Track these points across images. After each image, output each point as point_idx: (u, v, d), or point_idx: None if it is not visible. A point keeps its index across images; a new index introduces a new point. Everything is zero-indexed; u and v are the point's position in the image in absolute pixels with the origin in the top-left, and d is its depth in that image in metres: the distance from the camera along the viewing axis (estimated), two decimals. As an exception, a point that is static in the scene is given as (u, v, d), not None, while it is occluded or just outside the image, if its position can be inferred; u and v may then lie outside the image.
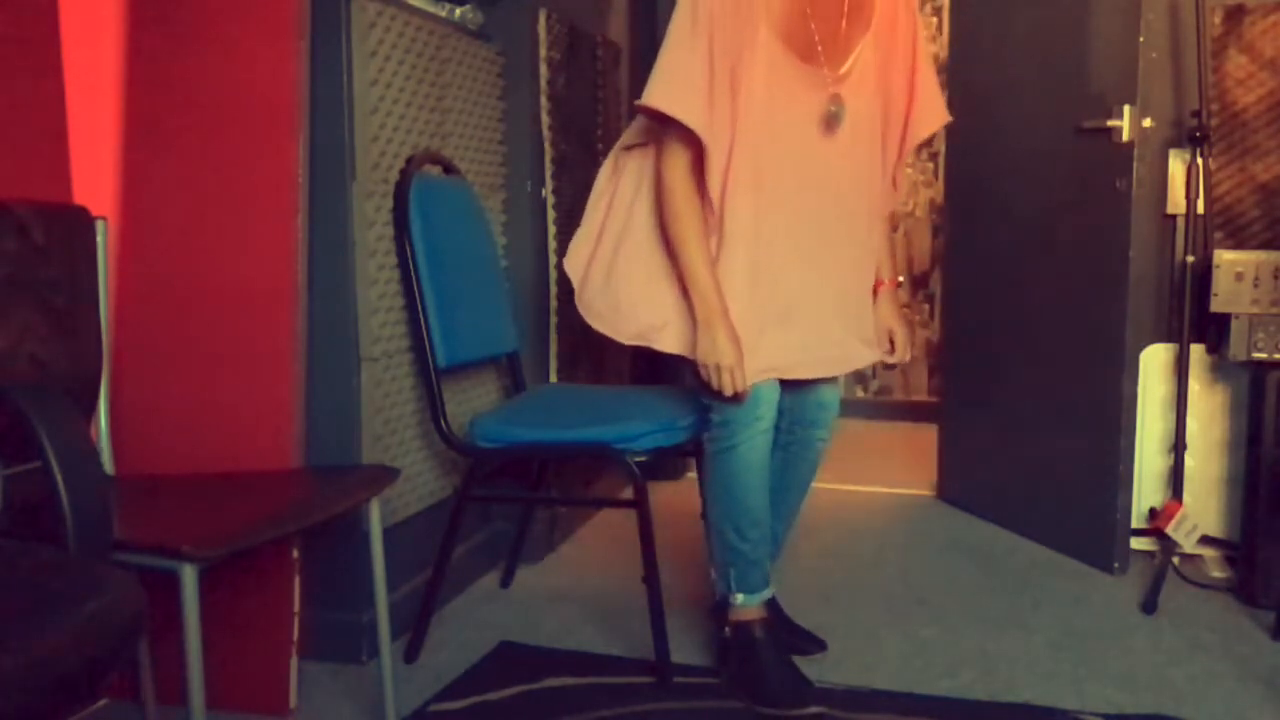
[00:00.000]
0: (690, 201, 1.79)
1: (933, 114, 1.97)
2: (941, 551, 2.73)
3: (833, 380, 1.98)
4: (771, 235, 1.82)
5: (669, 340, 1.84)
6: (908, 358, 2.07)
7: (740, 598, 1.89)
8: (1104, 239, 2.50)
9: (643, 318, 1.86)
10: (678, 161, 1.79)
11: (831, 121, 1.82)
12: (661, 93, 1.74)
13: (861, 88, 1.86)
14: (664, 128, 1.80)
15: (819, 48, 1.79)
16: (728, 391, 1.76)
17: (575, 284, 1.97)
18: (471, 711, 1.84)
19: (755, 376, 1.78)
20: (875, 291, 2.03)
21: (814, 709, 1.81)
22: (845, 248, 1.91)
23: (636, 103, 1.79)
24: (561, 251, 2.56)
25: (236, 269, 1.84)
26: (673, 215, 1.80)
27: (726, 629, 1.92)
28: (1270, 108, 2.61)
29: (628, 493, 1.95)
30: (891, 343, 2.05)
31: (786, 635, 1.99)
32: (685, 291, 1.80)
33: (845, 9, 1.82)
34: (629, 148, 1.94)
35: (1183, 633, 2.18)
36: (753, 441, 1.81)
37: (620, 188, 1.94)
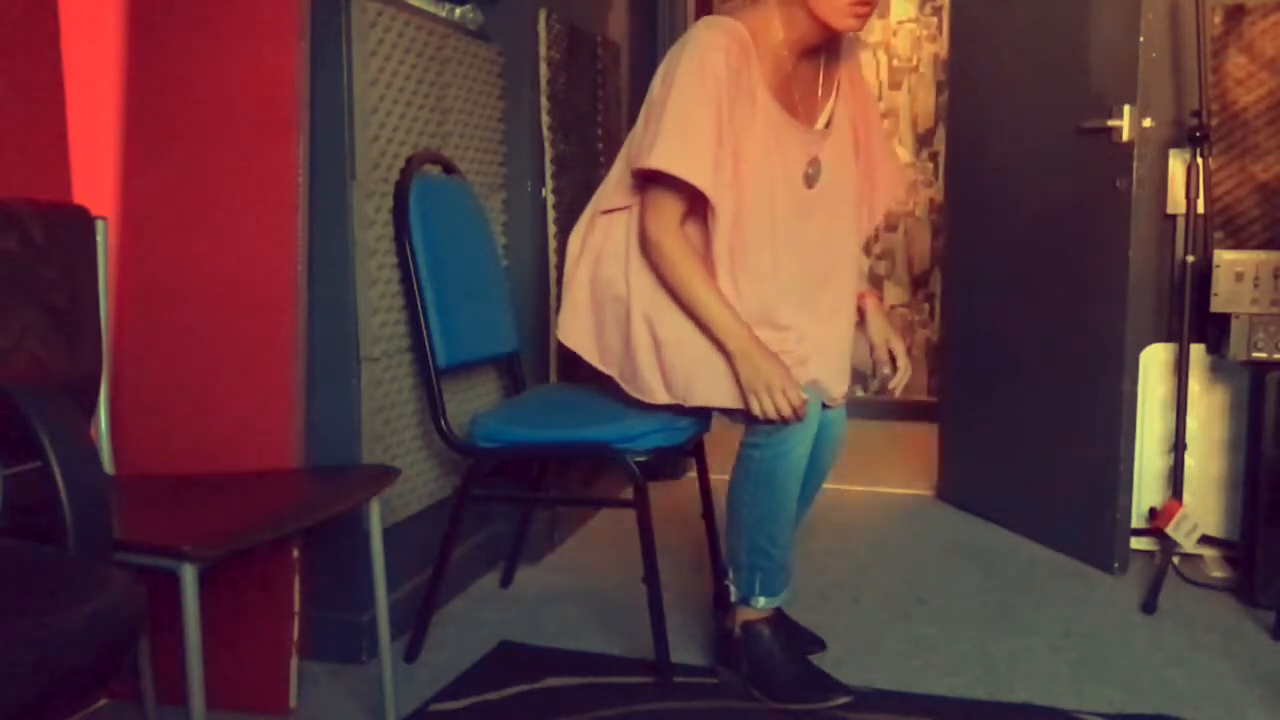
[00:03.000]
0: (684, 249, 1.83)
1: (894, 186, 2.09)
2: (941, 551, 2.73)
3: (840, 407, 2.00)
4: (783, 280, 1.86)
5: (723, 394, 1.83)
6: (909, 371, 2.06)
7: (762, 601, 1.89)
8: (1104, 239, 2.50)
9: (698, 376, 1.85)
10: (668, 219, 1.83)
11: (811, 180, 1.90)
12: (671, 155, 1.77)
13: (839, 145, 1.96)
14: (649, 186, 1.83)
15: (800, 109, 1.89)
16: (786, 411, 1.76)
17: (593, 359, 1.97)
18: (471, 711, 1.84)
19: (802, 382, 1.81)
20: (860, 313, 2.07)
21: (840, 699, 1.83)
22: (837, 289, 1.96)
23: (648, 164, 1.79)
24: (561, 251, 2.55)
25: (236, 269, 1.84)
26: (671, 267, 1.82)
27: (736, 628, 1.91)
28: (1270, 108, 2.61)
29: (628, 493, 1.95)
30: (892, 356, 2.06)
31: (787, 634, 1.99)
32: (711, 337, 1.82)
33: (820, 75, 1.94)
34: (608, 211, 1.94)
35: (1183, 633, 2.18)
36: (803, 446, 1.81)
37: (605, 253, 1.93)
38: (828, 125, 1.94)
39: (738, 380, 1.80)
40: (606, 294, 1.92)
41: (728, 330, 1.80)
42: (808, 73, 1.92)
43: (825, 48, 1.91)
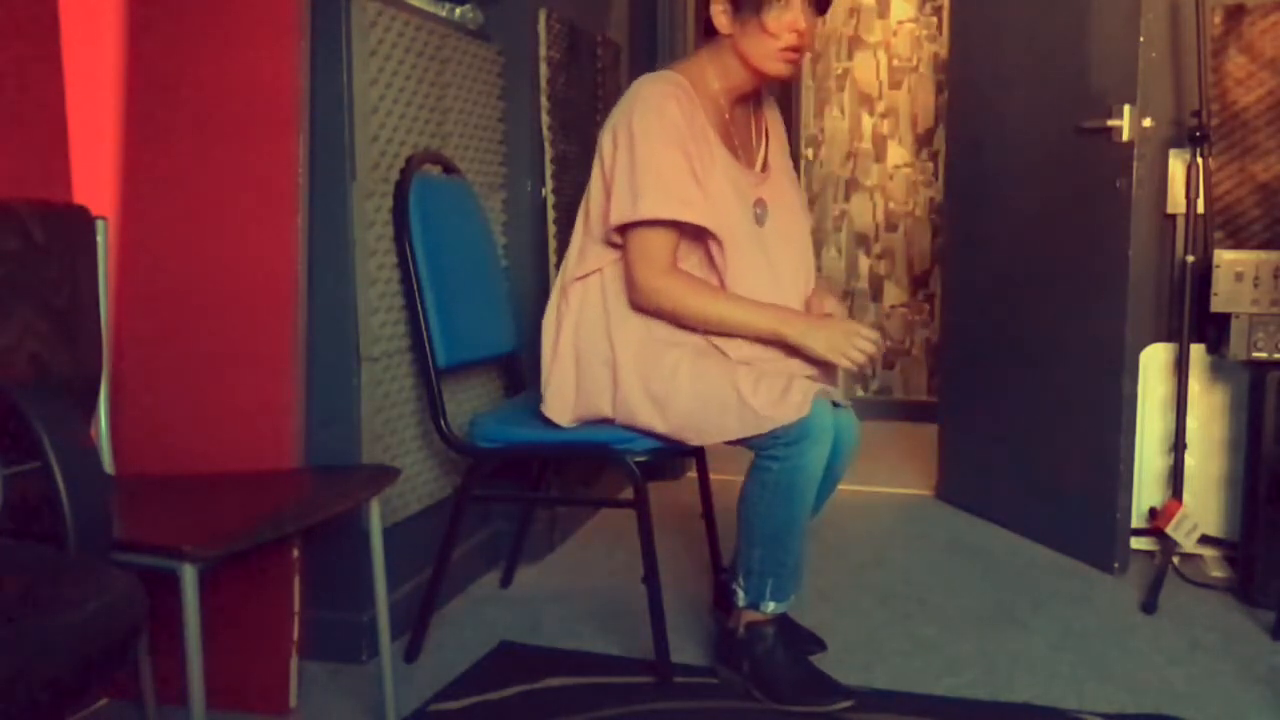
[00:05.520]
0: (685, 281, 1.86)
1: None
2: (941, 551, 2.73)
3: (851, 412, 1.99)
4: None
5: (732, 427, 1.83)
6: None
7: (772, 605, 1.88)
8: (1104, 239, 2.50)
9: (701, 416, 1.85)
10: (660, 263, 1.85)
11: (760, 219, 1.95)
12: (660, 202, 1.81)
13: (779, 186, 2.02)
14: (630, 240, 1.85)
15: (739, 154, 1.95)
16: (870, 349, 1.81)
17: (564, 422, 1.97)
18: (471, 711, 1.84)
19: (813, 393, 1.80)
20: None
21: (842, 703, 1.83)
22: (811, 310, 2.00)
23: (639, 216, 1.81)
24: (561, 251, 2.55)
25: (236, 269, 1.84)
26: (681, 302, 1.84)
27: (740, 628, 1.91)
28: (1270, 108, 2.61)
29: (628, 493, 1.95)
30: None
31: (788, 635, 1.99)
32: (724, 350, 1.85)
33: (751, 119, 2.02)
34: (580, 278, 1.95)
35: (1183, 633, 2.18)
36: (820, 457, 1.81)
37: (584, 320, 1.93)
38: (764, 169, 2.01)
39: (828, 364, 1.83)
40: (595, 360, 1.92)
41: (776, 323, 1.84)
42: (742, 119, 2.00)
43: (754, 95, 2.01)
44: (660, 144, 1.81)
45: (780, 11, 1.82)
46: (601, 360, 1.91)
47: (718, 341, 1.87)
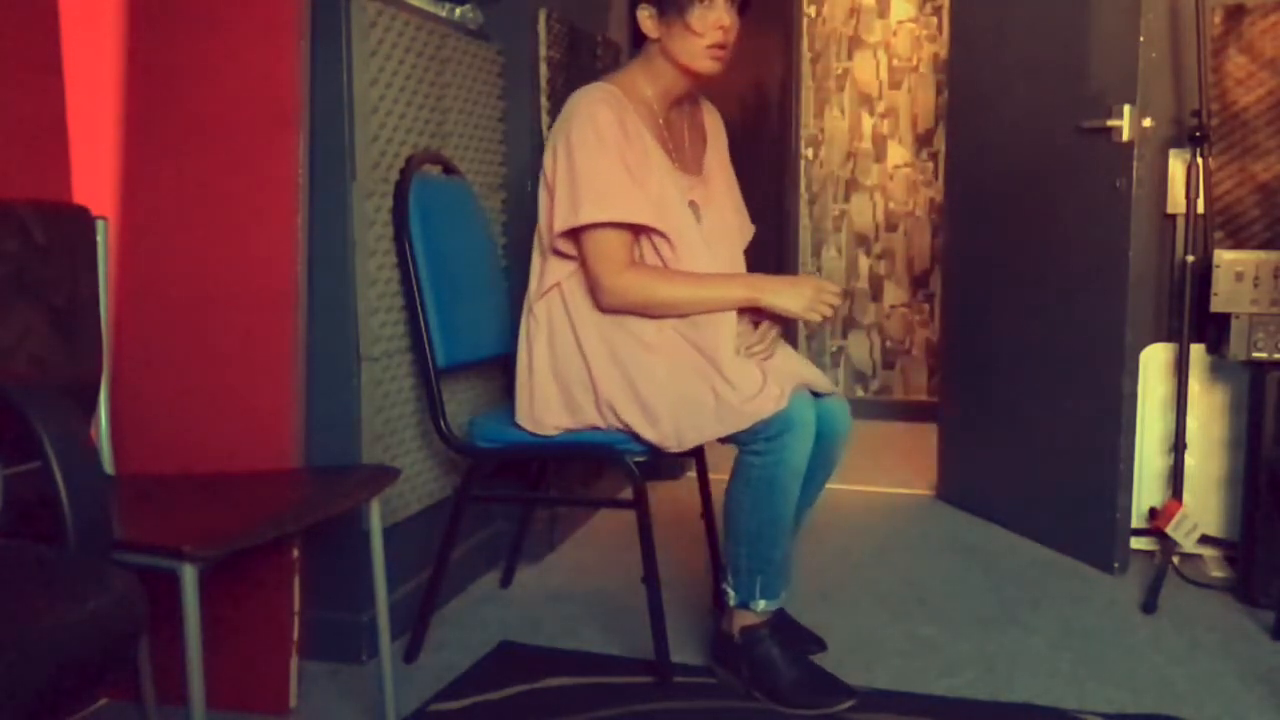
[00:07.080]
0: (645, 273, 1.90)
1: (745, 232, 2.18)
2: (941, 551, 2.73)
3: (841, 399, 2.01)
4: None
5: (710, 428, 1.84)
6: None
7: (763, 604, 1.88)
8: (1104, 239, 2.50)
9: (680, 419, 1.86)
10: (618, 263, 1.87)
11: (697, 219, 1.98)
12: (602, 205, 1.84)
13: (714, 190, 2.06)
14: (585, 245, 1.88)
15: (675, 157, 1.98)
16: (837, 301, 1.90)
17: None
18: (471, 711, 1.84)
19: (790, 388, 1.81)
20: None
21: (845, 703, 1.83)
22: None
23: (582, 221, 1.84)
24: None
25: (236, 269, 1.84)
26: (644, 292, 1.87)
27: (735, 633, 1.91)
28: (1270, 107, 2.61)
29: (627, 493, 1.95)
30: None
31: (788, 635, 1.99)
32: (695, 345, 1.87)
33: (686, 125, 2.05)
34: (543, 295, 1.96)
35: (1183, 633, 2.18)
36: (803, 451, 1.81)
37: (556, 338, 1.94)
38: (700, 172, 2.04)
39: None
40: (572, 370, 1.93)
41: (748, 289, 1.89)
42: (678, 123, 2.03)
43: (688, 98, 2.04)
44: (597, 151, 1.85)
45: (704, 11, 1.85)
46: (577, 370, 1.92)
47: (693, 335, 1.87)
